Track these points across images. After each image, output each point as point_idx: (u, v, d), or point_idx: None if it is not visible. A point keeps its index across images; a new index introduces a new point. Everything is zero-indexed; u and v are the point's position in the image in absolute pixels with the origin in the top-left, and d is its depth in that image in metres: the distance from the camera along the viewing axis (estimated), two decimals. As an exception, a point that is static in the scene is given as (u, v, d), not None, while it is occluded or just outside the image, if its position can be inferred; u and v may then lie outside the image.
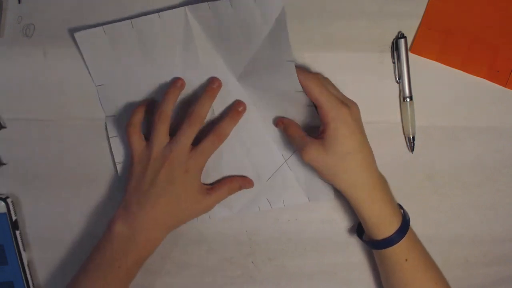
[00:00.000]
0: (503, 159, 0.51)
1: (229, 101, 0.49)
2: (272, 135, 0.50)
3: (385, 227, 0.45)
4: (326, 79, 0.48)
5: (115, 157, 0.50)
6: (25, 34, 0.50)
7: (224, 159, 0.50)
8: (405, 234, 0.45)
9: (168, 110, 0.46)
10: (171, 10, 0.44)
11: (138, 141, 0.46)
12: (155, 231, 0.46)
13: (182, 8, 0.44)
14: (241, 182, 0.50)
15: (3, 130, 0.50)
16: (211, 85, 0.47)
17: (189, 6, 0.43)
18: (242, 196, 0.50)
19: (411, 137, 0.50)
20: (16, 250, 0.50)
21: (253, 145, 0.50)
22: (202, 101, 0.46)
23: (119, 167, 0.50)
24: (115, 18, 0.49)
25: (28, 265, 0.50)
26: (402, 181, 0.51)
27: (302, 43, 0.50)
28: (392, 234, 0.44)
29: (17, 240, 0.50)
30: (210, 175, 0.50)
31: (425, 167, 0.51)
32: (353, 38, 0.50)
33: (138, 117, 0.47)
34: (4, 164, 0.50)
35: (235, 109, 0.48)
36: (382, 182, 0.46)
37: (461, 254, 0.51)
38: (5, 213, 0.49)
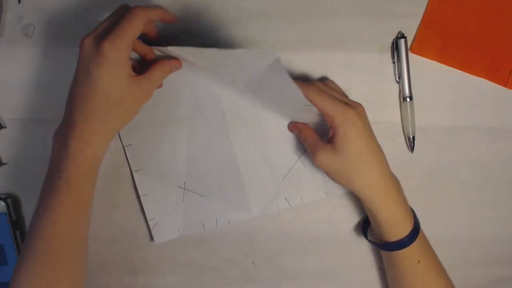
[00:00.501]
0: (503, 159, 0.51)
1: (238, 105, 0.49)
2: (285, 134, 0.50)
3: (399, 228, 0.44)
4: (327, 83, 0.47)
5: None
6: (25, 34, 0.50)
7: (239, 159, 0.50)
8: (418, 235, 0.45)
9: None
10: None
11: None
12: (89, 131, 0.42)
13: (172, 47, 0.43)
14: (172, 64, 0.46)
15: (3, 130, 0.50)
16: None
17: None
18: (260, 198, 0.50)
19: (411, 137, 0.50)
20: (16, 250, 0.50)
21: (267, 144, 0.50)
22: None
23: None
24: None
25: (28, 265, 0.50)
26: (402, 181, 0.50)
27: (302, 43, 0.50)
28: (406, 236, 0.44)
29: (17, 240, 0.50)
30: (227, 177, 0.50)
31: (425, 167, 0.51)
32: (353, 38, 0.50)
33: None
34: (4, 164, 0.50)
35: None
36: (396, 183, 0.46)
37: (461, 254, 0.51)
38: (5, 213, 0.49)
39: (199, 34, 0.50)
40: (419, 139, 0.50)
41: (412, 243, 0.44)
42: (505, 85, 0.50)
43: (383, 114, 0.50)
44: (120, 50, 0.40)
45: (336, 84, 0.49)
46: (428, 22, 0.50)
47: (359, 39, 0.50)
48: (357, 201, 0.51)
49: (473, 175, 0.51)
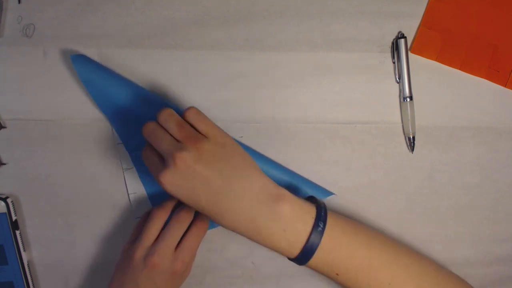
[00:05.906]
0: (503, 159, 0.51)
1: None
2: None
3: (294, 243, 0.39)
4: (185, 116, 0.41)
5: (128, 188, 0.50)
6: (25, 34, 0.50)
7: None
8: (317, 245, 0.38)
9: (166, 211, 0.45)
10: None
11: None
12: None
13: None
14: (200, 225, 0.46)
15: (3, 130, 0.50)
16: None
17: None
18: None
19: (411, 137, 0.50)
20: (16, 250, 0.50)
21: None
22: None
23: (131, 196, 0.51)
24: (115, 18, 0.49)
25: (28, 265, 0.50)
26: (402, 181, 0.51)
27: (302, 43, 0.50)
28: (299, 254, 0.39)
29: (17, 240, 0.50)
30: None
31: (425, 167, 0.51)
32: (353, 38, 0.50)
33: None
34: (4, 164, 0.51)
35: None
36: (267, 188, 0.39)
37: (461, 254, 0.51)
38: (5, 213, 0.49)
39: (200, 33, 0.50)
40: (419, 139, 0.50)
41: (308, 260, 0.38)
42: (505, 85, 0.50)
43: (383, 114, 0.50)
44: (187, 265, 0.45)
45: (195, 114, 0.41)
46: (428, 22, 0.50)
47: (359, 39, 0.50)
48: (355, 202, 0.51)
49: (473, 175, 0.51)
